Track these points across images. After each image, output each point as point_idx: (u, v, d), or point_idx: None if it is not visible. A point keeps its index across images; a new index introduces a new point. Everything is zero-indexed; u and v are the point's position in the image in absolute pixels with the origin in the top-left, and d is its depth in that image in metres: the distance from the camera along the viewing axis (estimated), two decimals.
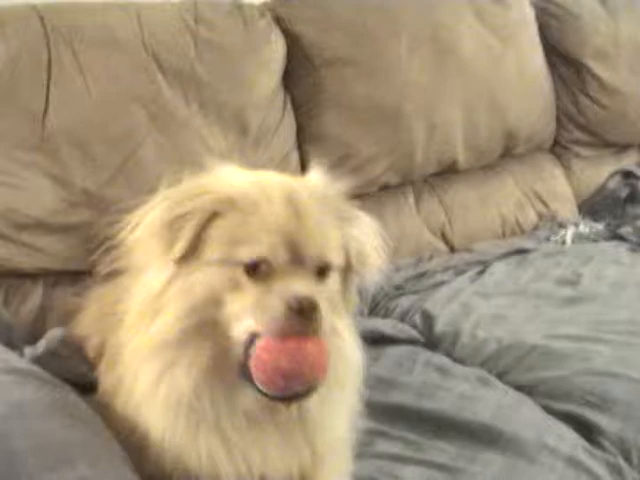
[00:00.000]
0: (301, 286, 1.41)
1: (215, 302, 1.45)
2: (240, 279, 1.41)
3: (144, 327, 1.49)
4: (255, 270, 1.41)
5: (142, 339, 1.49)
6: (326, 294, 1.48)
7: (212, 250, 1.43)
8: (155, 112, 2.62)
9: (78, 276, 2.49)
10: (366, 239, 1.58)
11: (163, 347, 1.47)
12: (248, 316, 1.43)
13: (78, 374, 1.70)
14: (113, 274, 2.21)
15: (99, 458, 1.39)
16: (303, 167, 3.10)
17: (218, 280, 1.43)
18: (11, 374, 1.53)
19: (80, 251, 2.47)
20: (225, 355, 1.48)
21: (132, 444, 1.57)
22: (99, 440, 1.50)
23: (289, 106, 3.07)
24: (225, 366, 1.48)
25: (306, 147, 3.13)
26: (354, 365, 1.66)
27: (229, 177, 1.54)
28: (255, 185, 1.49)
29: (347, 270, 1.57)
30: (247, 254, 1.41)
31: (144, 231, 1.48)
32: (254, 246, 1.40)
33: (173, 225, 1.41)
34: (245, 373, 1.44)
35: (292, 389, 1.41)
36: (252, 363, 1.41)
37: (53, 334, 2.18)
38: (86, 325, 2.14)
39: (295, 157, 3.08)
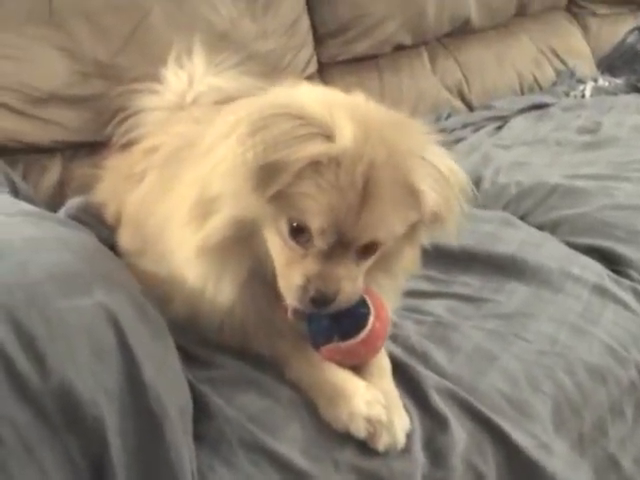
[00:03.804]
0: (333, 270, 1.40)
1: (259, 231, 1.45)
2: (284, 231, 1.40)
3: (194, 225, 1.48)
4: (299, 233, 1.39)
5: (191, 236, 1.49)
6: (369, 264, 1.48)
7: (278, 192, 1.36)
8: None
9: (95, 148, 2.49)
10: (442, 194, 1.44)
11: (209, 250, 1.47)
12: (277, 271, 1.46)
13: (99, 238, 1.70)
14: (128, 144, 2.23)
15: (115, 286, 1.41)
16: (314, 31, 3.09)
17: (269, 220, 1.42)
18: (29, 216, 1.54)
19: (96, 123, 2.46)
20: (264, 266, 1.51)
21: (157, 293, 1.61)
22: (116, 272, 1.53)
23: None
24: (265, 276, 1.51)
25: (316, 10, 3.09)
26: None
27: (329, 115, 1.37)
28: (356, 141, 1.35)
29: (416, 225, 1.49)
30: (298, 220, 1.38)
31: (230, 160, 1.37)
32: (308, 218, 1.36)
33: (269, 169, 1.32)
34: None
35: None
36: None
37: (73, 202, 2.22)
38: (104, 193, 2.19)
39: (306, 21, 3.04)
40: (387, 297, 1.64)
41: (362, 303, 1.50)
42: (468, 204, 1.52)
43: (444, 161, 1.47)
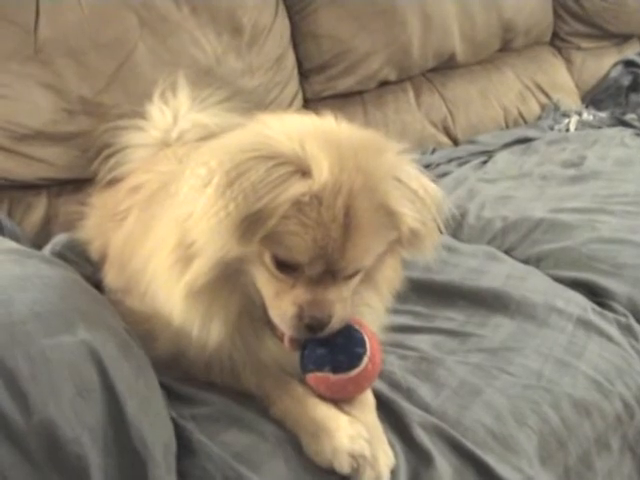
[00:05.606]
0: (324, 296, 1.41)
1: (245, 267, 1.45)
2: (270, 265, 1.41)
3: (178, 269, 1.48)
4: (285, 264, 1.39)
5: (175, 281, 1.49)
6: (356, 282, 1.50)
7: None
8: (146, 17, 2.59)
9: (81, 185, 2.50)
10: (419, 214, 1.46)
11: (196, 293, 1.47)
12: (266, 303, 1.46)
13: (83, 275, 1.70)
14: (114, 181, 2.24)
15: (98, 324, 1.40)
16: (299, 67, 3.12)
17: (254, 256, 1.42)
18: (12, 254, 1.54)
19: (81, 160, 2.48)
20: (252, 303, 1.51)
21: (141, 331, 1.60)
22: (99, 309, 1.52)
23: (282, 5, 3.04)
24: (253, 312, 1.53)
25: (301, 46, 3.12)
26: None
27: (300, 148, 1.37)
28: (333, 173, 1.35)
29: (395, 244, 1.51)
30: (285, 256, 1.38)
31: (212, 215, 1.35)
32: (295, 255, 1.37)
33: (254, 217, 1.32)
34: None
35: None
36: None
37: (58, 239, 2.22)
38: (89, 230, 2.20)
39: (291, 57, 3.07)
40: (376, 316, 1.68)
41: (361, 343, 1.51)
42: (445, 220, 1.55)
43: (418, 180, 1.49)
